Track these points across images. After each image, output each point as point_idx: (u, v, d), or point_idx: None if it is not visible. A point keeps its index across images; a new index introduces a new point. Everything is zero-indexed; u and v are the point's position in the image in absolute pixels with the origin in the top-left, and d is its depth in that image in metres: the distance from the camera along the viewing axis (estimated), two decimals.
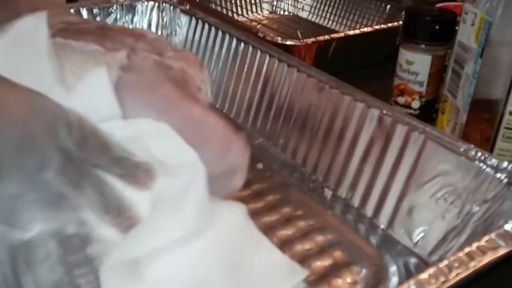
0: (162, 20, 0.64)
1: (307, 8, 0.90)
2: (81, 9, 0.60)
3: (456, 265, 0.26)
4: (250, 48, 0.52)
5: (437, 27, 0.48)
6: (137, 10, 0.64)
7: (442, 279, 0.25)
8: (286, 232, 0.38)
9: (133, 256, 0.25)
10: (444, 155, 0.36)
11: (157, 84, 0.31)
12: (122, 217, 0.26)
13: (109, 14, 0.62)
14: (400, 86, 0.51)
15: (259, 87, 0.50)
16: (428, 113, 0.51)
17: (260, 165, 0.45)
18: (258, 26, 0.71)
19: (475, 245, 0.27)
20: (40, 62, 0.28)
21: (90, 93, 0.28)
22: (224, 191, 0.31)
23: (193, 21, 0.61)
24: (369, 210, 0.39)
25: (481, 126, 0.41)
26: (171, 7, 0.64)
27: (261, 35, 0.61)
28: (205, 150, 0.29)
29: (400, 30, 0.51)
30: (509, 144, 0.40)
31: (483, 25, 0.40)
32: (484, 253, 0.27)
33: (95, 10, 0.61)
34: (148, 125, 0.29)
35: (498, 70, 0.40)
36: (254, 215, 0.39)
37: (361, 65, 0.64)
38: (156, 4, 0.65)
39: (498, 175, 0.33)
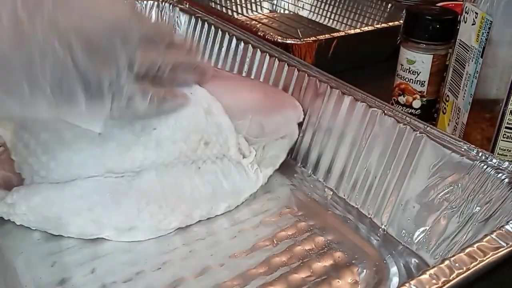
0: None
1: (307, 7, 0.90)
2: None
3: (457, 265, 0.26)
4: (250, 47, 0.52)
5: (438, 26, 0.48)
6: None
7: (442, 279, 0.25)
8: (286, 233, 0.37)
9: None
10: (445, 155, 0.36)
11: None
12: None
13: None
14: (401, 86, 0.51)
15: None
16: (429, 112, 0.51)
17: None
18: (258, 25, 0.71)
19: (476, 245, 0.27)
20: None
21: None
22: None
23: (193, 20, 0.61)
24: (369, 211, 0.39)
25: (482, 126, 0.41)
26: (171, 6, 0.64)
27: (261, 34, 0.61)
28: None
29: (401, 29, 0.51)
30: (510, 143, 0.40)
31: (483, 25, 0.39)
32: (485, 253, 0.27)
33: None
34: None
35: (499, 69, 0.39)
36: (254, 216, 0.39)
37: (362, 64, 0.64)
38: (156, 3, 0.64)
39: (499, 175, 0.33)
